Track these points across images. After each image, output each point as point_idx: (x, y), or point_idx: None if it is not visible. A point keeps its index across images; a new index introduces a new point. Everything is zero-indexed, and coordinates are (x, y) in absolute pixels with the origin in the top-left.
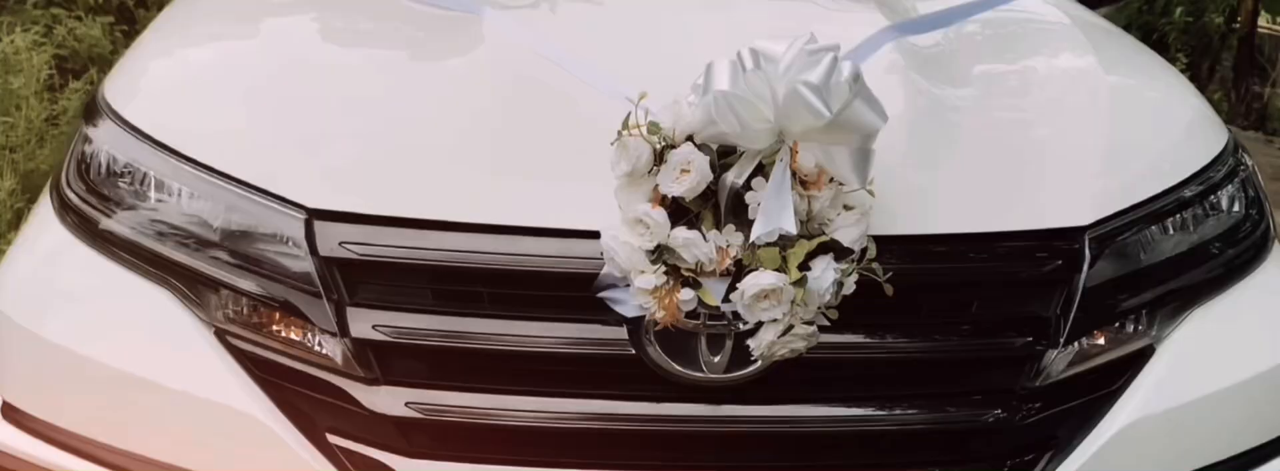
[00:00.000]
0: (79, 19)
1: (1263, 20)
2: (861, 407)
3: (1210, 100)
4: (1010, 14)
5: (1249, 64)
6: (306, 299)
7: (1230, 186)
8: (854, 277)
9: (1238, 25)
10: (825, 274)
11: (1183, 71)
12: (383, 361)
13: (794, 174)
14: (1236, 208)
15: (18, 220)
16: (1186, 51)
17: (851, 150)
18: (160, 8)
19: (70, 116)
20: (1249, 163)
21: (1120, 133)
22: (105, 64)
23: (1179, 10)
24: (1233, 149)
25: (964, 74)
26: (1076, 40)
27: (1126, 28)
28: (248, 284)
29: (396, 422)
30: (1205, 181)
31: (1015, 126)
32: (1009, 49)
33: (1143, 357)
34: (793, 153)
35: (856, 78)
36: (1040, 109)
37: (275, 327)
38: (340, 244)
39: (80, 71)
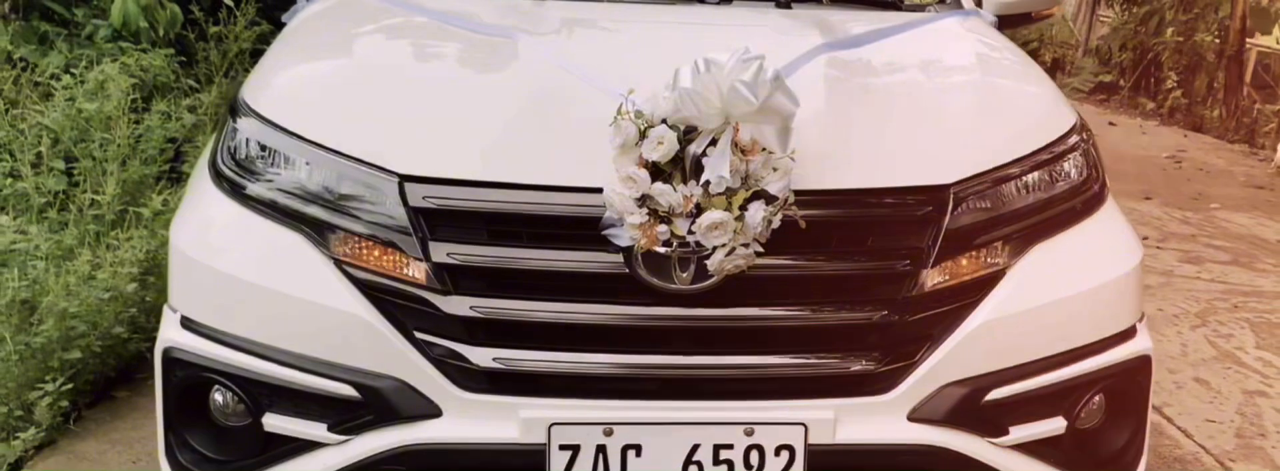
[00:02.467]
0: (144, 51)
1: (1271, 40)
2: (788, 309)
3: (1206, 117)
4: (921, 34)
5: (1238, 81)
6: (400, 236)
7: (1072, 157)
8: (779, 216)
9: (1228, 44)
10: (757, 213)
11: (1173, 89)
12: (454, 278)
13: (736, 144)
14: (1076, 172)
15: (119, 220)
16: (1177, 70)
17: (776, 128)
18: (218, 41)
19: (153, 135)
20: (1090, 139)
21: (984, 117)
22: (169, 90)
23: (1170, 30)
24: (1078, 129)
25: (874, 76)
26: (966, 51)
27: (1122, 48)
28: (357, 227)
29: (463, 321)
30: (1049, 153)
31: (906, 112)
32: (912, 59)
33: (996, 279)
34: (735, 130)
35: (776, 77)
36: (927, 100)
37: (377, 257)
38: (423, 198)
39: (147, 98)
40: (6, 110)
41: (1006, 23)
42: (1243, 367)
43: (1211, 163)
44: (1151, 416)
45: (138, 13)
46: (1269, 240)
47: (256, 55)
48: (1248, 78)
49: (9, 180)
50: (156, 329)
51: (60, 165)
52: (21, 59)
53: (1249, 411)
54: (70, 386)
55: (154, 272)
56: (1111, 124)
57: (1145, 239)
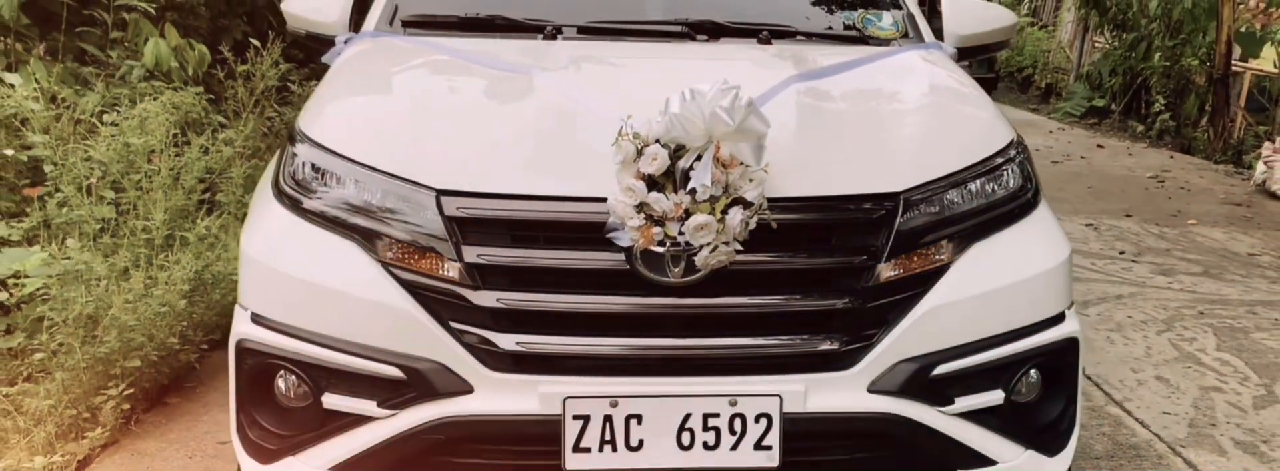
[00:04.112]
0: (175, 90)
1: (1267, 64)
2: (765, 298)
3: (1195, 138)
4: (883, 65)
5: (1225, 103)
6: (437, 241)
7: (1009, 168)
8: (755, 219)
9: (1213, 69)
10: (736, 216)
11: (1161, 112)
12: (482, 276)
13: (718, 159)
14: (1012, 181)
15: (168, 243)
16: (1165, 94)
17: (751, 145)
18: (246, 79)
19: (192, 168)
20: (1025, 153)
21: (931, 135)
22: (201, 126)
23: (1157, 55)
24: (1015, 144)
25: (838, 102)
26: (920, 80)
27: (1112, 73)
28: (400, 234)
29: (491, 311)
30: (987, 165)
31: (864, 131)
32: (873, 87)
33: (941, 271)
34: (717, 147)
35: (750, 103)
36: (883, 121)
37: (417, 259)
38: (457, 208)
39: (181, 133)
40: (58, 147)
41: (966, 54)
42: (1202, 367)
43: (1193, 182)
44: (1111, 410)
45: (169, 54)
46: (1240, 253)
47: (282, 92)
48: (1243, 101)
49: (62, 209)
50: (204, 341)
51: (110, 195)
52: (62, 99)
53: (1203, 405)
54: (131, 391)
55: (199, 291)
56: (1100, 146)
57: (1121, 253)
